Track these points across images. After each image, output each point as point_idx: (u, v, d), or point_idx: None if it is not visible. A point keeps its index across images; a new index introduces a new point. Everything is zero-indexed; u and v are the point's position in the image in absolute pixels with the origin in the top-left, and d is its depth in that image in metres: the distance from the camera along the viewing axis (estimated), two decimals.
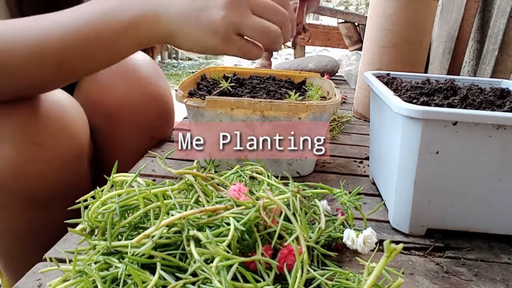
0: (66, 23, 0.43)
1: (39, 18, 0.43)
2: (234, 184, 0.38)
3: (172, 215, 0.33)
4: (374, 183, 0.61)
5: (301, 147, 0.59)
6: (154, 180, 0.53)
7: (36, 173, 0.48)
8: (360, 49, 1.62)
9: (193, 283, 0.30)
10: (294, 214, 0.36)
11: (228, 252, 0.31)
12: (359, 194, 0.45)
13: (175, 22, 0.44)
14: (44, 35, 0.42)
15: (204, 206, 0.35)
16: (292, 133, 0.57)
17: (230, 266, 0.30)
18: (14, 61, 0.42)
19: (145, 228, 0.34)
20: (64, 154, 0.51)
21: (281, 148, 0.58)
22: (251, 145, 0.59)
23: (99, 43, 0.44)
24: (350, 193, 0.45)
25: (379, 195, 0.57)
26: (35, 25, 0.43)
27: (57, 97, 0.51)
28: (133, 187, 0.36)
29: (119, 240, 0.35)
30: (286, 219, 0.36)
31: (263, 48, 0.46)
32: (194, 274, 0.31)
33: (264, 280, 0.32)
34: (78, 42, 0.43)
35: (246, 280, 0.30)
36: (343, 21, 1.73)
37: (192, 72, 0.73)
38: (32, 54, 0.42)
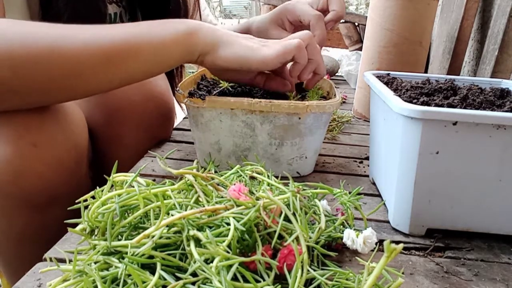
0: (114, 31, 0.46)
1: (87, 26, 0.45)
2: (234, 184, 0.38)
3: (172, 215, 0.33)
4: (374, 183, 0.61)
5: (301, 147, 0.59)
6: (154, 180, 0.53)
7: (34, 175, 0.48)
8: (360, 49, 1.62)
9: (193, 283, 0.30)
10: (294, 214, 0.36)
11: (228, 252, 0.31)
12: (359, 194, 0.45)
13: (219, 37, 0.50)
14: (97, 37, 0.44)
15: (204, 206, 0.35)
16: (292, 133, 0.57)
17: (230, 266, 0.30)
18: (67, 61, 0.43)
19: (145, 228, 0.34)
20: (62, 155, 0.50)
21: (281, 148, 0.58)
22: (251, 145, 0.59)
23: (147, 50, 0.47)
24: (350, 193, 0.45)
25: (379, 195, 0.57)
26: (85, 29, 0.45)
27: None
28: (133, 187, 0.36)
29: (119, 240, 0.35)
30: (286, 219, 0.36)
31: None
32: (194, 274, 0.31)
33: (264, 280, 0.32)
34: (127, 46, 0.45)
35: (246, 280, 0.30)
36: (343, 21, 1.73)
37: (192, 72, 0.73)
38: (83, 54, 0.43)
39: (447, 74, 1.20)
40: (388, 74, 0.62)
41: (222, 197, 0.38)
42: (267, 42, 0.54)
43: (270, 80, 0.61)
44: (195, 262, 0.31)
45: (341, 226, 0.44)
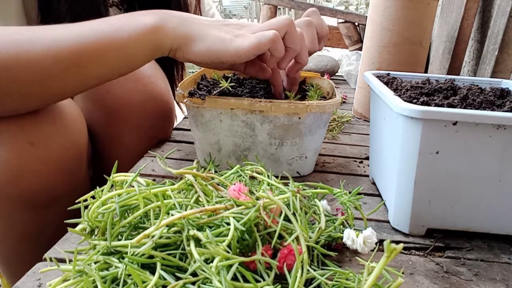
0: (80, 30, 0.44)
1: (53, 26, 0.44)
2: (234, 184, 0.38)
3: (172, 215, 0.33)
4: (374, 183, 0.61)
5: (301, 147, 0.59)
6: (154, 180, 0.53)
7: (32, 174, 0.48)
8: (360, 49, 1.62)
9: (193, 283, 0.30)
10: (294, 214, 0.36)
11: (228, 252, 0.31)
12: (359, 194, 0.45)
13: (190, 29, 0.49)
14: (60, 40, 0.43)
15: (204, 206, 0.35)
16: (292, 133, 0.57)
17: (230, 266, 0.30)
18: (33, 67, 0.42)
19: (145, 228, 0.34)
20: (60, 154, 0.50)
21: (281, 148, 0.58)
22: (251, 145, 0.59)
23: (113, 49, 0.45)
24: (350, 193, 0.45)
25: (379, 195, 0.57)
26: (51, 31, 0.43)
27: None
28: (133, 187, 0.36)
29: (119, 240, 0.35)
30: (286, 219, 0.36)
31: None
32: (194, 274, 0.31)
33: (264, 280, 0.32)
34: (92, 47, 0.44)
35: (246, 280, 0.30)
36: (343, 21, 1.73)
37: (192, 72, 0.73)
38: (47, 58, 0.42)
39: (447, 74, 1.20)
40: (388, 74, 0.62)
41: (222, 197, 0.38)
42: (242, 28, 0.51)
43: (250, 66, 0.58)
44: (195, 262, 0.31)
45: (341, 226, 0.44)
